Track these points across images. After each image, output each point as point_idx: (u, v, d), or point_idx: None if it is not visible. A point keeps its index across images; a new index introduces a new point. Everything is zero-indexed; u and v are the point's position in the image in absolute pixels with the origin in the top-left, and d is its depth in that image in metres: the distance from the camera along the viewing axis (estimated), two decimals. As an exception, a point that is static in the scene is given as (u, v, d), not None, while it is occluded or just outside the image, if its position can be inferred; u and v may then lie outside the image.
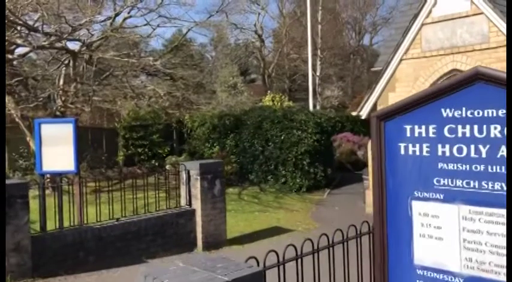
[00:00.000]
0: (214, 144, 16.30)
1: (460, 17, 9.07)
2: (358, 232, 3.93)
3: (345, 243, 3.78)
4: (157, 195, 7.53)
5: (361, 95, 35.75)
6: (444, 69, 9.37)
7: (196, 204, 7.82)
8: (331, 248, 3.67)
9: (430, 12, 9.50)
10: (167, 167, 17.48)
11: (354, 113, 11.25)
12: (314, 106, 20.79)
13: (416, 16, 9.69)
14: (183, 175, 7.92)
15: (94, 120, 17.80)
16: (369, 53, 47.12)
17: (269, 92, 22.80)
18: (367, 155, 19.23)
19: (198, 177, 7.73)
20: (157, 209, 7.57)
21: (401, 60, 10.00)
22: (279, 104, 18.16)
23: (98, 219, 6.91)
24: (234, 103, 17.89)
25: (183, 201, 7.93)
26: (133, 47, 16.74)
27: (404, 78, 9.99)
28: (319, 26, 20.46)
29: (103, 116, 18.03)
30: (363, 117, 10.85)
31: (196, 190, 7.78)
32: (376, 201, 2.98)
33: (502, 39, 8.52)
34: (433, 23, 9.47)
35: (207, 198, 7.84)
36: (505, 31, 8.48)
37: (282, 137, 13.51)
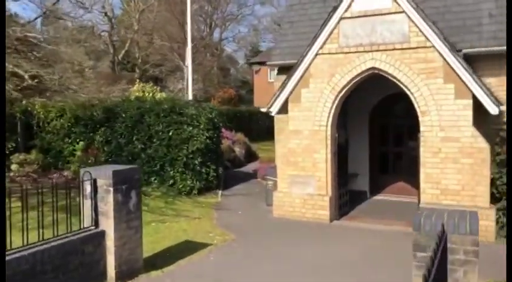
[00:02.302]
0: (78, 140, 13.79)
1: (380, 14, 8.85)
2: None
3: None
4: (55, 215, 5.47)
5: (225, 89, 35.33)
6: (362, 67, 9.08)
7: (107, 224, 5.98)
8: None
9: (349, 6, 9.10)
10: (13, 167, 14.25)
11: (263, 110, 10.34)
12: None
13: (335, 9, 9.21)
14: (86, 186, 5.99)
15: None
16: (219, 48, 47.12)
17: (138, 81, 20.51)
18: (243, 151, 18.64)
19: (111, 189, 5.91)
20: (56, 234, 5.52)
21: (317, 54, 9.43)
22: (151, 95, 16.29)
23: (-29, 258, 4.64)
24: (96, 90, 15.37)
25: (87, 221, 6.00)
26: None
27: (319, 74, 9.46)
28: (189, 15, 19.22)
29: None
30: (272, 114, 10.03)
31: (108, 206, 5.95)
32: None
33: (423, 39, 8.53)
34: (352, 17, 9.10)
35: (121, 216, 6.06)
36: (425, 32, 8.50)
37: (170, 134, 11.90)
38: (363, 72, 9.10)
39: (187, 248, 7.67)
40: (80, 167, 11.47)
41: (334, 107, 9.41)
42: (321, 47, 9.37)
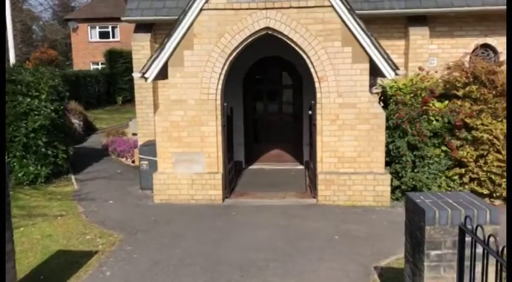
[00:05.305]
0: None
1: (275, -34, 7.82)
2: None
3: None
4: None
5: (43, 49, 29.93)
6: (256, 27, 8.01)
7: (-38, 260, 3.85)
8: None
9: (239, -47, 7.82)
10: None
11: (135, 75, 8.44)
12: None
13: (222, -45, 7.82)
14: None
15: None
16: (20, 1, 39.88)
17: None
18: (81, 123, 15.95)
19: (-33, 206, 3.77)
20: None
21: (201, 10, 7.98)
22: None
23: None
24: None
25: None
26: None
27: (206, 34, 8.06)
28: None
29: None
30: (148, 81, 8.27)
31: (-38, 232, 3.80)
32: None
33: (321, -2, 7.84)
34: (242, -33, 7.86)
35: (-14, 243, 3.98)
36: (322, -10, 7.81)
37: (0, 107, 9.04)
38: (256, 32, 8.03)
39: (66, 263, 5.77)
40: None
41: (223, 72, 8.19)
42: (207, 1, 7.94)
